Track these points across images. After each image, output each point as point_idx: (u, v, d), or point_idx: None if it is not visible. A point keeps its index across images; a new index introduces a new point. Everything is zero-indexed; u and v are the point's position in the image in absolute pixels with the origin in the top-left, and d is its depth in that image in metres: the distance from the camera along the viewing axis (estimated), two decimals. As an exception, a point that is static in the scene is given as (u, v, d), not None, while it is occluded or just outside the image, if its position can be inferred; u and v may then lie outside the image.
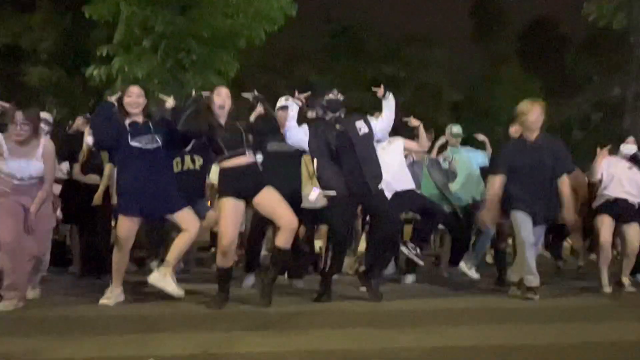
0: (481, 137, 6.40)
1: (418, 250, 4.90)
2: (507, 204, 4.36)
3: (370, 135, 4.25)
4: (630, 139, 5.84)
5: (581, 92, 21.01)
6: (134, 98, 3.87)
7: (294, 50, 20.11)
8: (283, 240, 3.80)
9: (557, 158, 4.44)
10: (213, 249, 6.50)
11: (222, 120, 3.88)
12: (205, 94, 3.97)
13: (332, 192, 4.11)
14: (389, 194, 4.70)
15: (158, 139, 3.83)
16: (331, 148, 4.11)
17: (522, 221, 4.22)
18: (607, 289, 4.80)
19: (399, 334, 3.04)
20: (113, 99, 3.86)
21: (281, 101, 4.78)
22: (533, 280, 4.20)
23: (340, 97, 4.33)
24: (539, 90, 23.22)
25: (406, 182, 4.92)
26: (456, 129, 6.24)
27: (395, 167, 4.87)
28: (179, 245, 3.89)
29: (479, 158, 5.98)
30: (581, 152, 22.26)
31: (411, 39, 21.39)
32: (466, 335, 3.04)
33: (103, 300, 3.79)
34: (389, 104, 4.42)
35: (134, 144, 3.77)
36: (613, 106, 18.22)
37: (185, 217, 3.88)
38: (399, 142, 5.12)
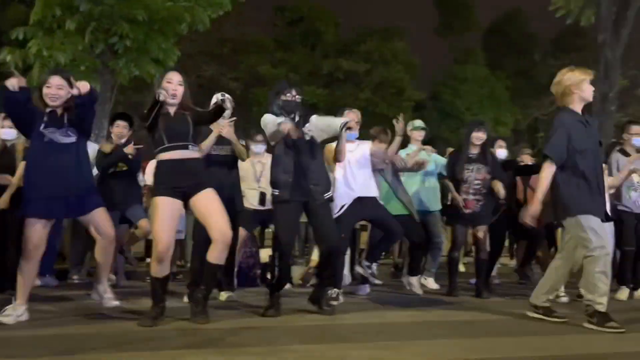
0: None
1: (374, 267, 4.95)
2: (564, 204, 3.88)
3: (315, 141, 4.27)
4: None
5: (548, 93, 21.87)
6: (54, 89, 3.70)
7: (243, 39, 19.92)
8: (215, 255, 3.71)
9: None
10: (148, 260, 6.34)
11: (172, 110, 3.78)
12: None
13: (276, 191, 4.16)
14: (350, 199, 4.77)
15: (71, 133, 3.67)
16: (286, 148, 4.17)
17: (599, 227, 3.81)
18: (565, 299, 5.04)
19: (351, 350, 3.03)
20: (11, 83, 3.52)
21: (217, 97, 4.71)
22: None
23: (297, 98, 4.31)
24: (505, 90, 24.12)
25: (369, 189, 4.95)
26: (418, 122, 6.34)
27: (359, 171, 4.91)
28: (101, 262, 3.73)
29: (438, 162, 6.11)
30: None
31: (372, 31, 21.65)
32: (422, 351, 3.07)
33: (1, 318, 3.54)
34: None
35: (46, 133, 3.59)
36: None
37: (99, 219, 3.74)
38: (366, 146, 5.16)
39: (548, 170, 3.88)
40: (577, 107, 4.01)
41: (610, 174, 5.47)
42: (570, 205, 3.84)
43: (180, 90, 3.78)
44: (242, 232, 5.54)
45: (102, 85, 7.42)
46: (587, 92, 4.01)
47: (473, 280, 5.77)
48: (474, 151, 5.41)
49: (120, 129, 5.40)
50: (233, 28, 18.71)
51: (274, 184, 4.20)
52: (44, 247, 3.69)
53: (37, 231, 3.59)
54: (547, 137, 3.96)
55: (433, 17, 25.62)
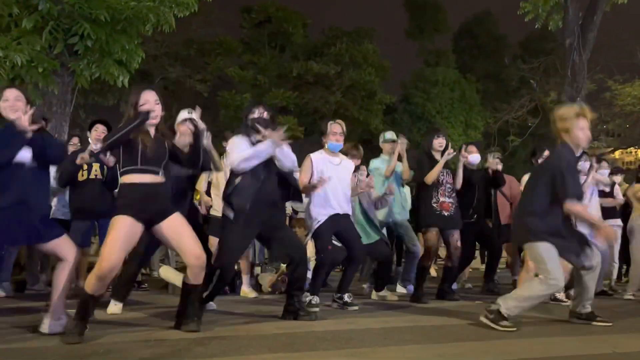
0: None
1: (347, 297, 4.94)
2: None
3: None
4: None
5: (518, 96, 22.33)
6: (11, 102, 3.58)
7: (210, 41, 19.79)
8: (193, 277, 3.68)
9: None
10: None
11: (152, 131, 3.65)
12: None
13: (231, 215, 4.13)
14: (325, 216, 4.78)
15: (27, 153, 3.49)
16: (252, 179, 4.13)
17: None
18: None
19: (322, 358, 3.05)
20: None
21: (184, 114, 4.63)
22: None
23: (266, 114, 4.29)
24: (475, 93, 24.57)
25: (346, 206, 4.97)
26: (389, 134, 6.47)
27: (339, 187, 4.93)
28: (61, 284, 3.56)
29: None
30: (518, 158, 23.83)
31: (342, 33, 21.76)
32: (393, 356, 3.11)
33: None
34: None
35: None
36: (549, 111, 19.51)
37: (61, 245, 3.58)
38: (350, 164, 5.21)
39: (576, 206, 3.98)
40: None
41: None
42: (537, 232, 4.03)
43: (158, 109, 3.67)
44: (212, 240, 5.53)
45: (62, 87, 7.26)
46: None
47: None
48: (438, 157, 5.66)
49: (99, 133, 5.32)
50: (199, 29, 18.59)
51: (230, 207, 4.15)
52: None
53: None
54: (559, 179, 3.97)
55: (403, 19, 25.99)
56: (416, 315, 4.59)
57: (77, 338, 3.34)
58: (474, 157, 6.19)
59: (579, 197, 4.05)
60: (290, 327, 3.95)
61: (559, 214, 4.03)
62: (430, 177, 5.51)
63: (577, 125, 4.05)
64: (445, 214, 5.50)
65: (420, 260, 5.73)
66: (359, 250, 4.94)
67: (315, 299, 4.61)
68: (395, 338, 3.63)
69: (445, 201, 5.53)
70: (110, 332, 3.65)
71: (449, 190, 5.60)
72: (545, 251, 3.98)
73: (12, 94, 3.59)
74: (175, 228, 3.62)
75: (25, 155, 3.51)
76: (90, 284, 3.42)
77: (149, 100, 3.63)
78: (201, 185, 5.88)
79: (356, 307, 4.88)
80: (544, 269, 3.96)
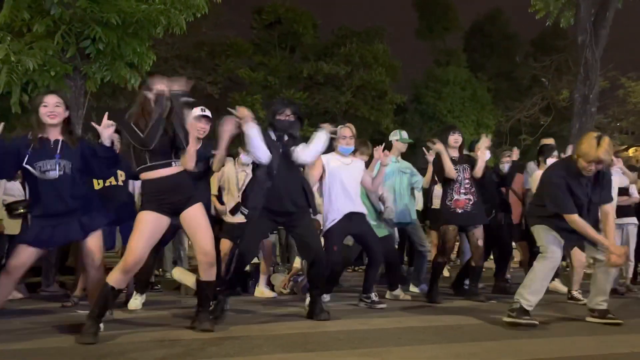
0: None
1: (374, 296, 4.98)
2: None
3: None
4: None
5: (530, 95, 22.16)
6: (51, 107, 3.61)
7: (220, 43, 19.85)
8: (202, 273, 3.75)
9: None
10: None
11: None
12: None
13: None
14: (340, 215, 4.83)
15: (63, 165, 3.56)
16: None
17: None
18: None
19: (335, 357, 3.04)
20: None
21: (197, 111, 4.77)
22: None
23: (291, 117, 4.40)
24: (487, 92, 24.43)
25: (359, 205, 5.00)
26: (405, 134, 6.43)
27: (351, 186, 4.97)
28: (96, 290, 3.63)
29: (414, 175, 6.23)
30: (530, 157, 23.63)
31: (352, 33, 21.74)
32: (407, 356, 3.10)
33: None
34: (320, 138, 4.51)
35: (30, 168, 3.52)
36: (562, 109, 19.36)
37: (93, 245, 3.65)
38: (361, 163, 5.23)
39: (575, 219, 4.12)
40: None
41: None
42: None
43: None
44: (226, 243, 5.58)
45: (74, 90, 7.32)
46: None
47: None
48: (454, 154, 5.60)
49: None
50: (210, 31, 18.65)
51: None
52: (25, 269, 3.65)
53: (24, 255, 3.58)
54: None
55: (413, 19, 25.90)
56: (430, 315, 4.57)
57: (92, 338, 3.37)
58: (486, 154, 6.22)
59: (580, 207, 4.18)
60: (304, 327, 3.95)
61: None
62: (451, 172, 5.44)
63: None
64: (459, 211, 5.45)
65: (434, 257, 5.71)
66: (377, 252, 4.97)
67: (326, 297, 4.68)
68: (410, 338, 3.61)
69: (460, 199, 5.46)
70: (125, 333, 3.68)
71: (467, 186, 5.50)
72: (543, 230, 4.24)
73: (52, 100, 3.65)
74: (194, 219, 3.69)
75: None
76: (113, 277, 3.50)
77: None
78: (215, 188, 5.86)
79: (384, 305, 4.93)
80: (542, 245, 4.22)
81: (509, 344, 3.44)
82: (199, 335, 3.62)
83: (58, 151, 3.59)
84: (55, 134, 3.65)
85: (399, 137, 6.31)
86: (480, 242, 5.52)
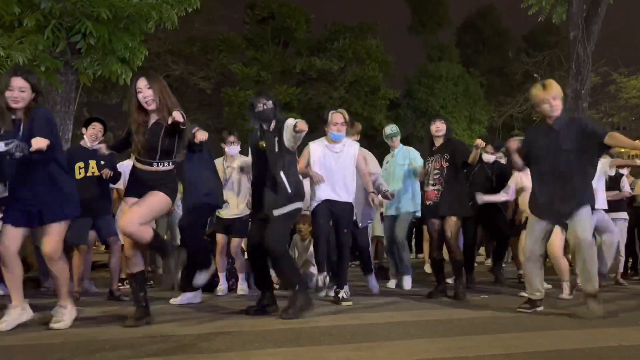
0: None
1: (343, 293, 4.93)
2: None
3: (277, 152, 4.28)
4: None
5: (522, 90, 22.21)
6: (16, 92, 3.56)
7: (213, 38, 19.75)
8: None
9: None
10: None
11: (151, 120, 3.72)
12: None
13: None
14: (320, 200, 4.87)
15: (21, 146, 3.45)
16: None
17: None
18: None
19: (326, 352, 3.05)
20: None
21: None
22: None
23: (269, 104, 4.31)
24: (479, 87, 24.47)
25: (344, 193, 4.95)
26: (388, 129, 6.43)
27: (338, 173, 4.94)
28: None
29: (417, 161, 6.18)
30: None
31: (345, 28, 21.68)
32: (398, 350, 3.11)
33: None
34: None
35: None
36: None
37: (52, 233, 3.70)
38: (353, 149, 5.12)
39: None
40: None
41: None
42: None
43: (149, 93, 3.70)
44: (220, 238, 5.58)
45: (65, 85, 7.27)
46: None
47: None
48: (437, 143, 5.51)
49: (96, 130, 5.33)
50: (202, 26, 18.55)
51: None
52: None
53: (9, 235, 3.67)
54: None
55: (406, 14, 25.90)
56: (421, 310, 4.59)
57: (134, 322, 3.71)
58: (488, 157, 6.44)
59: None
60: (295, 322, 3.96)
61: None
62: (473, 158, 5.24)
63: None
64: (429, 203, 5.41)
65: (430, 253, 5.76)
66: (345, 246, 4.98)
67: (324, 276, 4.92)
68: (401, 332, 3.62)
69: (428, 190, 5.43)
70: (116, 328, 3.68)
71: (436, 177, 5.37)
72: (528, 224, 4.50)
73: (17, 83, 3.58)
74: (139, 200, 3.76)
75: None
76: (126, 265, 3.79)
77: (142, 88, 3.69)
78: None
79: (350, 303, 4.83)
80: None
81: (499, 338, 3.45)
82: (191, 330, 3.62)
83: (20, 132, 3.56)
84: (19, 115, 3.62)
85: (384, 134, 6.37)
86: (449, 234, 5.28)
